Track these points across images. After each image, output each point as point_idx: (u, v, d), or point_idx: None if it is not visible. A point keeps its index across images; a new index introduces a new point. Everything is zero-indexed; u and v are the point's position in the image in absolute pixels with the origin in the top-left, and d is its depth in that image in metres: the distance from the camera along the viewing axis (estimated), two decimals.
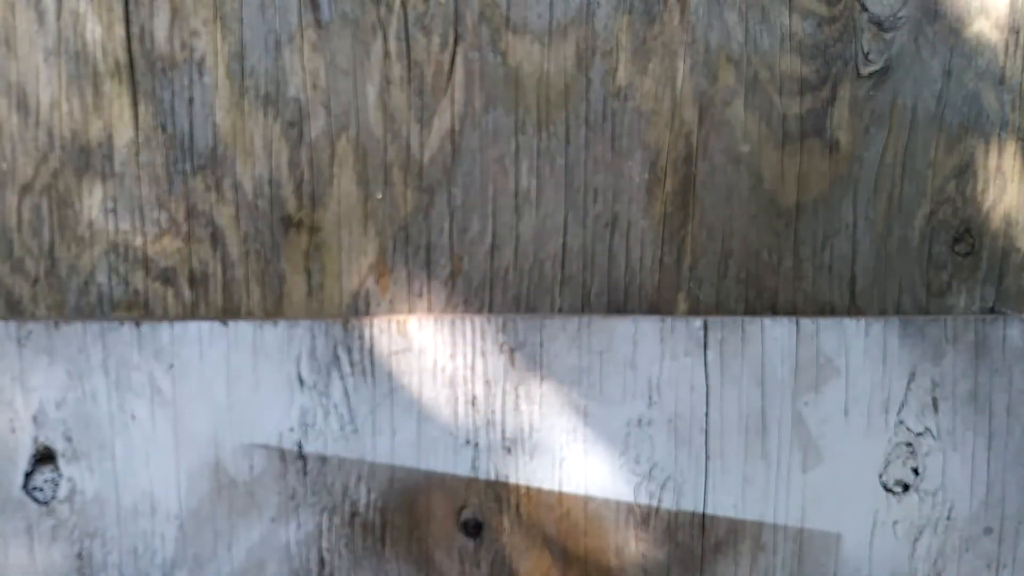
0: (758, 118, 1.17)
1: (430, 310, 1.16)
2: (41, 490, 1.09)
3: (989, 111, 1.19)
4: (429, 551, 1.13)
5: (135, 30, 1.10)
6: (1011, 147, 1.20)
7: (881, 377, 1.14)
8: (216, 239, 1.13)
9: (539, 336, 1.12)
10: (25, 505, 1.09)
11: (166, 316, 1.13)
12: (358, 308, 1.15)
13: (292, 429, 1.10)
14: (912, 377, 1.14)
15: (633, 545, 1.14)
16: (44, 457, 1.09)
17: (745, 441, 1.14)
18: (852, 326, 1.14)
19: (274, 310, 1.15)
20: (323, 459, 1.11)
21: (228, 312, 1.14)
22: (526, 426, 1.12)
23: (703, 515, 1.14)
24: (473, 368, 1.12)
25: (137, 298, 1.13)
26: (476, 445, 1.12)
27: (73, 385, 1.08)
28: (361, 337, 1.10)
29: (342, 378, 1.10)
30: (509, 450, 1.12)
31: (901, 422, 1.15)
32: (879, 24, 1.16)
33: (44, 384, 1.08)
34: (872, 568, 1.16)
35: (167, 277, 1.13)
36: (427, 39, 1.13)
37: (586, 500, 1.13)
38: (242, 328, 1.09)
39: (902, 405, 1.14)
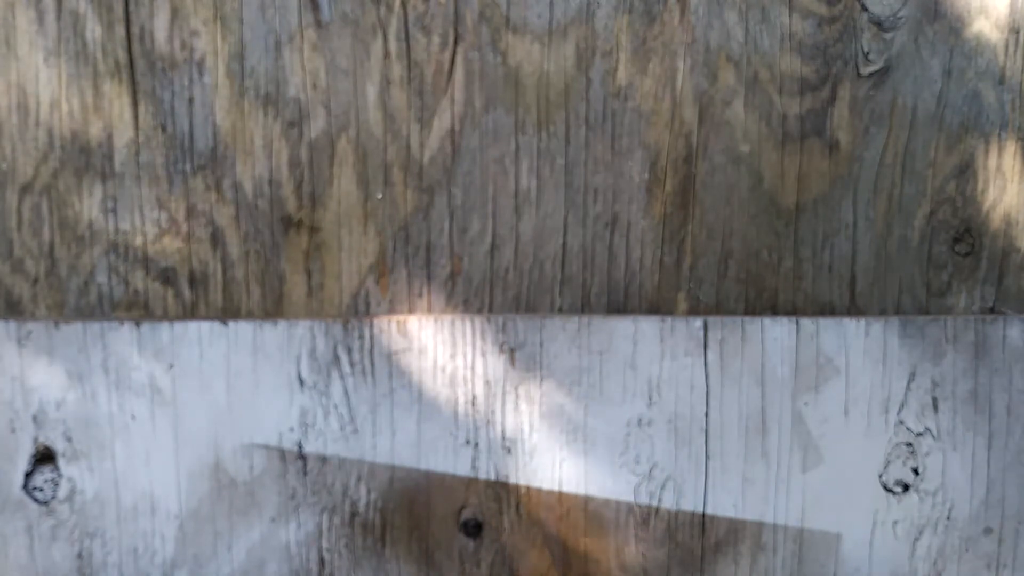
0: (758, 118, 1.17)
1: (430, 310, 1.16)
2: (41, 490, 1.09)
3: (989, 111, 1.19)
4: (429, 551, 1.13)
5: (135, 30, 1.11)
6: (1011, 147, 1.20)
7: (881, 377, 1.14)
8: (216, 239, 1.13)
9: (539, 336, 1.12)
10: (25, 505, 1.09)
11: (166, 316, 1.13)
12: (358, 308, 1.15)
13: (292, 429, 1.10)
14: (912, 377, 1.14)
15: (633, 545, 1.14)
16: (44, 457, 1.09)
17: (745, 441, 1.14)
18: (852, 326, 1.14)
19: (274, 310, 1.15)
20: (323, 459, 1.11)
21: (228, 312, 1.14)
22: (526, 426, 1.12)
23: (703, 515, 1.14)
24: (473, 368, 1.12)
25: (137, 298, 1.13)
26: (476, 445, 1.12)
27: (73, 385, 1.08)
28: (361, 337, 1.10)
29: (342, 378, 1.10)
30: (509, 450, 1.12)
31: (901, 422, 1.15)
32: (879, 24, 1.17)
33: (44, 384, 1.08)
34: (872, 568, 1.16)
35: (167, 277, 1.13)
36: (427, 39, 1.13)
37: (586, 500, 1.13)
38: (242, 328, 1.09)
39: (902, 405, 1.14)
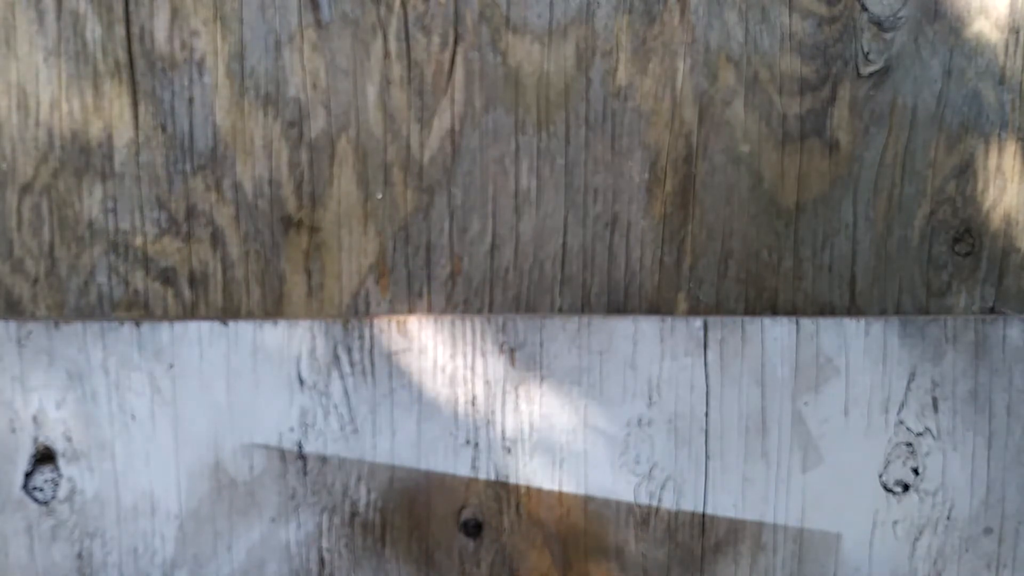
0: (758, 118, 1.17)
1: (430, 310, 1.16)
2: (41, 490, 1.09)
3: (989, 111, 1.19)
4: (429, 551, 1.13)
5: (135, 30, 1.11)
6: (1011, 147, 1.20)
7: (881, 377, 1.14)
8: (216, 239, 1.13)
9: (539, 336, 1.12)
10: (25, 505, 1.09)
11: (166, 316, 1.13)
12: (358, 308, 1.15)
13: (292, 429, 1.10)
14: (912, 377, 1.14)
15: (633, 545, 1.14)
16: (44, 457, 1.09)
17: (745, 441, 1.14)
18: (852, 326, 1.14)
19: (274, 310, 1.15)
20: (323, 459, 1.11)
21: (228, 312, 1.14)
22: (526, 426, 1.12)
23: (703, 515, 1.14)
24: (473, 368, 1.12)
25: (137, 298, 1.13)
26: (476, 445, 1.12)
27: (73, 385, 1.08)
28: (361, 337, 1.10)
29: (342, 378, 1.10)
30: (509, 450, 1.12)
31: (901, 422, 1.15)
32: (879, 24, 1.17)
33: (44, 384, 1.08)
34: (872, 568, 1.16)
35: (167, 277, 1.13)
36: (427, 39, 1.13)
37: (586, 500, 1.13)
38: (242, 328, 1.09)
39: (902, 405, 1.14)
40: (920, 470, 1.15)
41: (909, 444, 1.15)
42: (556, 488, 1.13)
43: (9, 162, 1.11)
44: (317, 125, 1.13)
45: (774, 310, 1.19)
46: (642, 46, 1.15)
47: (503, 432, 1.12)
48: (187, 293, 1.14)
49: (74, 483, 1.09)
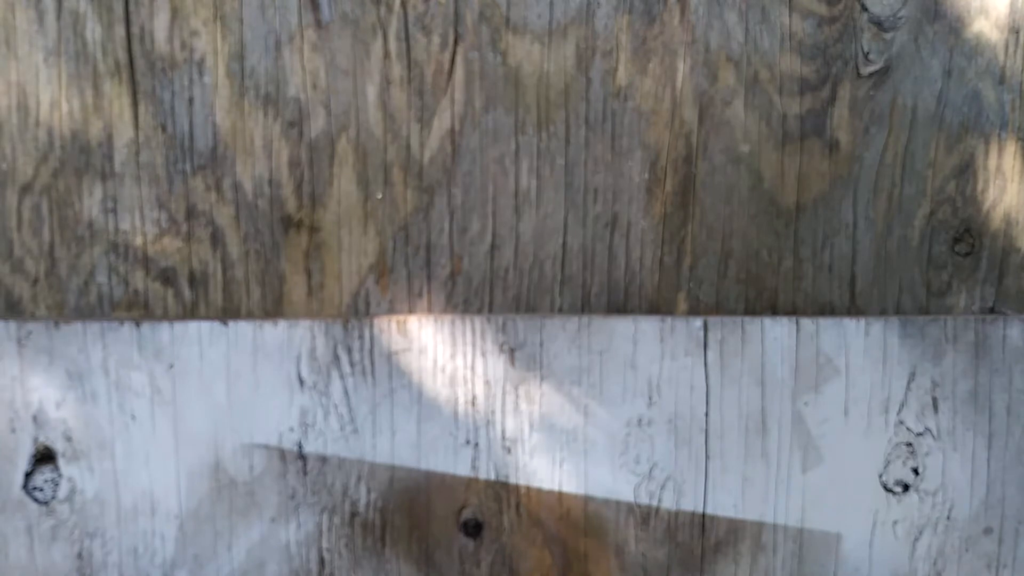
0: (758, 118, 1.17)
1: (430, 310, 1.16)
2: (41, 490, 1.09)
3: (989, 111, 1.19)
4: (429, 551, 1.13)
5: (135, 30, 1.11)
6: (1011, 147, 1.20)
7: (881, 377, 1.14)
8: (216, 239, 1.13)
9: (539, 336, 1.12)
10: (25, 505, 1.09)
11: (166, 316, 1.13)
12: (358, 308, 1.15)
13: (292, 429, 1.10)
14: (912, 377, 1.14)
15: (633, 545, 1.14)
16: (44, 457, 1.09)
17: (745, 441, 1.14)
18: (852, 326, 1.14)
19: (274, 310, 1.15)
20: (323, 459, 1.11)
21: (228, 312, 1.14)
22: (526, 426, 1.12)
23: (703, 515, 1.14)
24: (473, 368, 1.12)
25: (137, 298, 1.13)
26: (476, 445, 1.12)
27: (73, 385, 1.08)
28: (361, 337, 1.10)
29: (342, 378, 1.10)
30: (509, 450, 1.12)
31: (901, 422, 1.15)
32: (879, 24, 1.17)
33: (44, 384, 1.08)
34: (872, 568, 1.16)
35: (167, 277, 1.13)
36: (427, 39, 1.13)
37: (586, 500, 1.13)
38: (242, 328, 1.09)
39: (902, 405, 1.14)
40: (920, 470, 1.15)
41: (909, 444, 1.15)
42: (556, 488, 1.13)
43: (9, 162, 1.11)
44: (317, 125, 1.13)
45: (774, 310, 1.19)
46: (642, 46, 1.15)
47: (503, 432, 1.12)
48: (187, 293, 1.14)
49: (74, 483, 1.09)
